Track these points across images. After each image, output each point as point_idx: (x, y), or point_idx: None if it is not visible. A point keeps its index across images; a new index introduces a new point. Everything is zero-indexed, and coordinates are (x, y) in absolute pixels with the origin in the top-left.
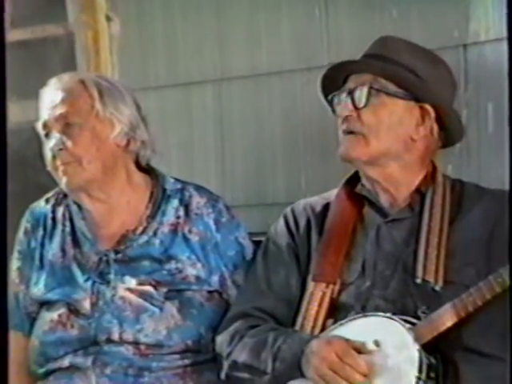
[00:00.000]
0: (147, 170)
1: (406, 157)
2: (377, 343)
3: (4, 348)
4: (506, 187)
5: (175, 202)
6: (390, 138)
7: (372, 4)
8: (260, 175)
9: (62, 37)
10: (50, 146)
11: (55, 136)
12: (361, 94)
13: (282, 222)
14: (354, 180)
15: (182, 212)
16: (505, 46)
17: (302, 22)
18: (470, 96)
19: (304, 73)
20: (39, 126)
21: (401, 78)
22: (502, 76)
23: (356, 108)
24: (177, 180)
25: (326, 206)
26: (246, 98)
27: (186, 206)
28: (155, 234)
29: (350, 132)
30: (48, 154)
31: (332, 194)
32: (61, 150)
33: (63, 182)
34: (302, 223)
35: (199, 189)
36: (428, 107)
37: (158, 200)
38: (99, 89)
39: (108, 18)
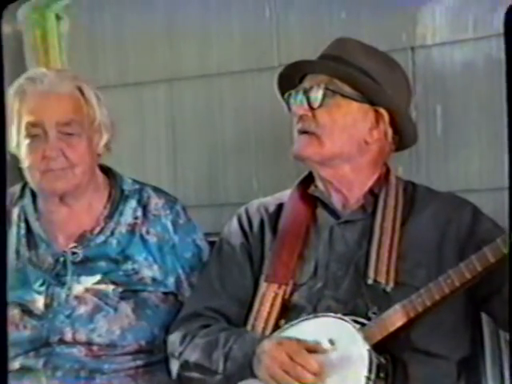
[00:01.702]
0: (105, 170)
1: (358, 159)
2: (331, 342)
3: (4, 347)
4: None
5: (133, 203)
6: (343, 139)
7: (322, 6)
8: (212, 175)
9: (11, 35)
10: (46, 150)
11: (52, 141)
12: (316, 94)
13: (235, 221)
14: (307, 181)
15: (139, 213)
16: (451, 49)
17: (253, 22)
18: (418, 98)
19: (255, 73)
20: (22, 124)
21: (356, 81)
22: (449, 79)
23: (311, 108)
24: (135, 181)
25: (280, 207)
26: (197, 99)
27: (143, 206)
28: (112, 233)
29: (304, 131)
30: (34, 154)
31: (285, 195)
32: (57, 155)
33: (51, 185)
34: (256, 223)
35: (157, 190)
36: (382, 111)
37: (116, 200)
38: (97, 98)
39: (57, 17)
